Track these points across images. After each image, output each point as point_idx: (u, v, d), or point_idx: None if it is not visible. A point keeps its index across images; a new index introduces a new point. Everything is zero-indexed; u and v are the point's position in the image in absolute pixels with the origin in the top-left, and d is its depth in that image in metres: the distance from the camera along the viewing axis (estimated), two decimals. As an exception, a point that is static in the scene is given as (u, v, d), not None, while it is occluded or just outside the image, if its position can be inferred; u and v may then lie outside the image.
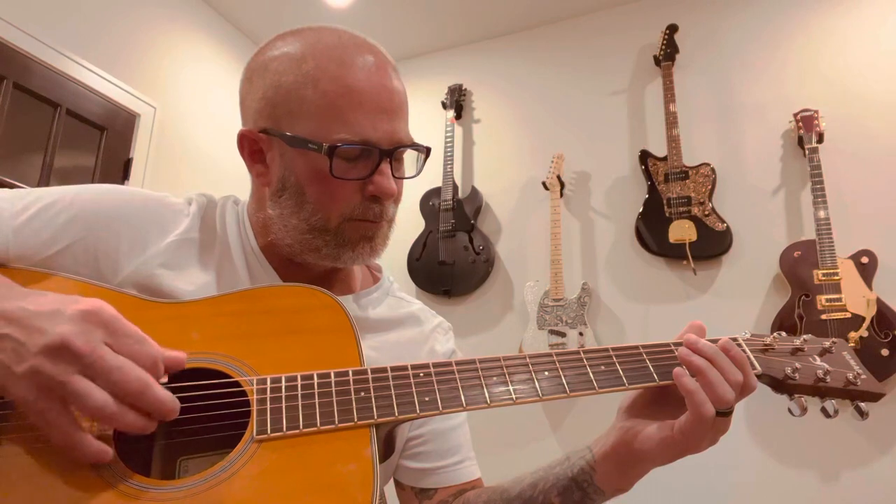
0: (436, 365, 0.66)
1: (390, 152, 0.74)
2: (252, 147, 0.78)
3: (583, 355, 0.69)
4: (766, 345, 0.71)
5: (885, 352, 2.21)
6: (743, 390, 0.65)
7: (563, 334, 2.74)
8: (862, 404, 0.66)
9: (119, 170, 2.74)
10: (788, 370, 0.68)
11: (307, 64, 0.73)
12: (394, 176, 0.76)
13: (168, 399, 0.55)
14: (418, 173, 0.83)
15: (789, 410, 0.68)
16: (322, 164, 0.72)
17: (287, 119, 0.74)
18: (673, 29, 2.97)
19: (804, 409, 0.67)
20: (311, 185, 0.74)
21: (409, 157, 0.81)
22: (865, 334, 2.23)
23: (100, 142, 2.68)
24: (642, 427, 0.67)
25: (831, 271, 2.34)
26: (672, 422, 0.65)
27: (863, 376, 0.67)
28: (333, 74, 0.72)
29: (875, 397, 0.66)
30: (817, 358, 0.70)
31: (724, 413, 0.63)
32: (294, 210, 0.75)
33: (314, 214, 0.74)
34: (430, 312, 0.95)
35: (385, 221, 0.78)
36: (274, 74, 0.75)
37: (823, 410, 0.67)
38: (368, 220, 0.76)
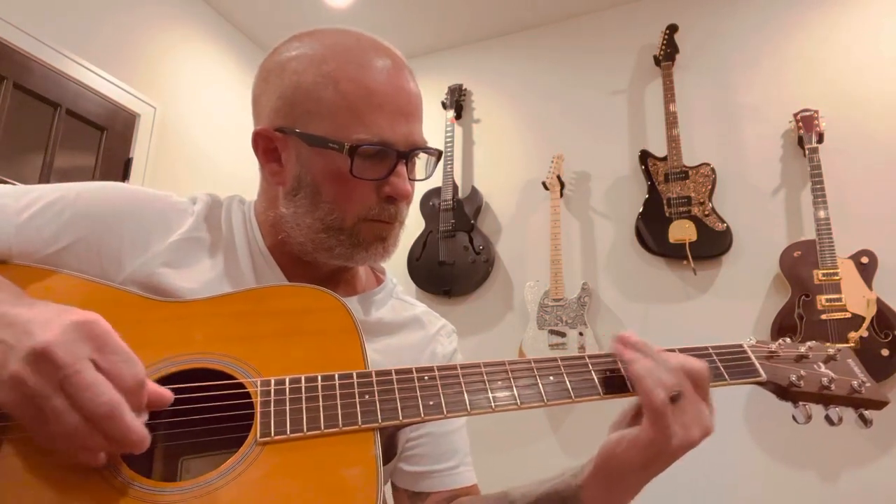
0: (440, 368, 0.66)
1: (406, 154, 0.75)
2: (267, 146, 0.78)
3: (588, 360, 0.68)
4: (770, 352, 0.71)
5: (885, 352, 2.21)
6: (695, 377, 0.63)
7: (563, 334, 2.74)
8: (866, 412, 0.66)
9: (119, 170, 2.73)
10: (793, 377, 0.68)
11: (327, 65, 0.73)
12: (408, 178, 0.77)
13: (135, 430, 0.52)
14: (429, 176, 0.83)
15: (794, 418, 0.68)
16: (341, 164, 0.72)
17: (305, 118, 0.74)
18: (673, 29, 2.97)
19: (809, 417, 0.67)
20: (327, 184, 0.74)
21: (420, 159, 0.82)
22: (865, 334, 2.23)
23: (100, 142, 2.67)
24: (618, 435, 0.66)
25: (831, 271, 2.35)
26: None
27: (867, 384, 0.67)
28: (353, 76, 0.73)
29: (879, 405, 0.66)
30: (822, 365, 0.70)
31: (671, 400, 0.61)
32: (309, 209, 0.75)
33: (330, 214, 0.75)
34: (434, 315, 0.95)
35: (398, 223, 0.79)
36: (292, 74, 0.75)
37: (828, 418, 0.67)
38: (383, 220, 0.76)
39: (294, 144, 0.75)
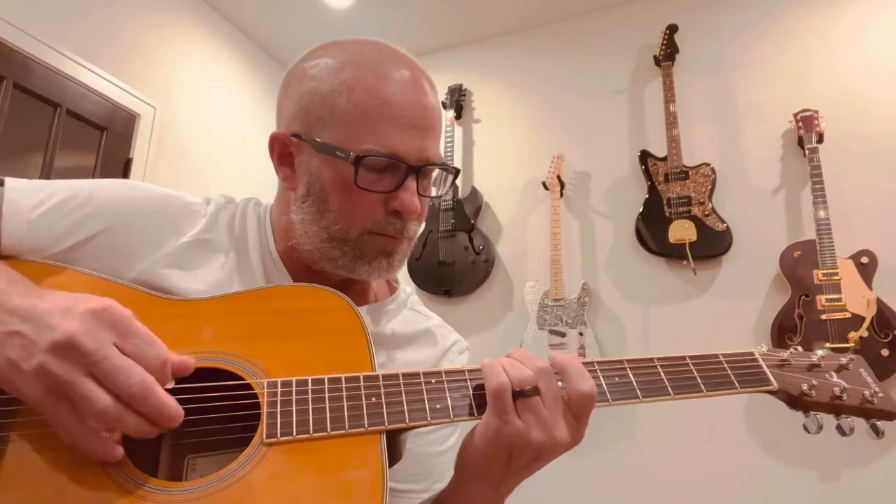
0: (448, 372, 0.66)
1: (418, 168, 0.74)
2: (282, 150, 0.78)
3: (596, 366, 0.68)
4: (782, 360, 0.71)
5: (885, 352, 2.22)
6: (574, 401, 0.63)
7: (563, 334, 2.74)
8: (878, 423, 0.66)
9: (119, 170, 2.72)
10: (805, 387, 0.67)
11: (344, 73, 0.73)
12: (419, 193, 0.75)
13: (170, 405, 0.54)
14: (443, 194, 0.82)
15: (805, 428, 0.67)
16: (347, 173, 0.71)
17: (318, 125, 0.73)
18: (673, 29, 2.97)
19: (820, 427, 0.66)
20: (334, 193, 0.73)
21: (434, 175, 0.80)
22: (865, 334, 2.24)
23: (100, 142, 2.66)
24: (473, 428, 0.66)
25: (831, 271, 2.36)
26: None
27: (880, 394, 0.67)
28: (368, 85, 0.72)
29: (892, 416, 0.66)
30: (834, 374, 0.70)
31: (521, 394, 0.61)
32: (316, 217, 0.75)
33: (335, 223, 0.74)
34: (447, 329, 0.94)
35: (406, 238, 0.77)
36: (311, 81, 0.75)
37: (839, 428, 0.67)
38: (388, 234, 0.75)
39: (307, 151, 0.75)
